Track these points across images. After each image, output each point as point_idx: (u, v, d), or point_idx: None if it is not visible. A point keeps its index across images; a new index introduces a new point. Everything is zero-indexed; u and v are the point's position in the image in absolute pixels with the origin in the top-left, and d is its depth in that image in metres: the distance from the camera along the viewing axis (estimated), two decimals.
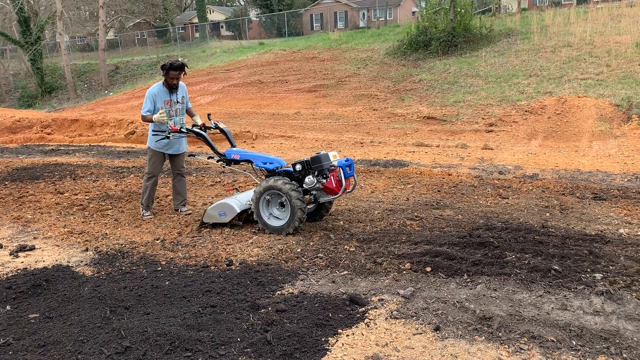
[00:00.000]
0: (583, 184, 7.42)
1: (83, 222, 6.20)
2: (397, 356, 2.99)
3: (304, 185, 5.31)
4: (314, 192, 5.43)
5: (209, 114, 6.27)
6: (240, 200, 5.67)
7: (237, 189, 6.42)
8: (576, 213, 5.90)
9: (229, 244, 5.15)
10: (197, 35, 45.82)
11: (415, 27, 21.02)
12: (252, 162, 5.70)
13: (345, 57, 22.17)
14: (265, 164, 5.62)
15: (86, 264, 4.71)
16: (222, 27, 49.78)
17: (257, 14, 46.95)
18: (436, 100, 15.33)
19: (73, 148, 13.67)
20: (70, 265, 4.70)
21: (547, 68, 15.74)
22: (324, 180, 5.26)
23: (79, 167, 10.06)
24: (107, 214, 6.51)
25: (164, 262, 4.68)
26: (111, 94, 28.16)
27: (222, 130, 6.04)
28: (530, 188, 7.23)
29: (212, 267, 4.51)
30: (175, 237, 5.48)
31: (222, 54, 29.65)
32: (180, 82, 6.09)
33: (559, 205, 6.24)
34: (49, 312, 3.70)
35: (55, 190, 7.93)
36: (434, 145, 11.56)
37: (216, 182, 8.37)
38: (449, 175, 8.30)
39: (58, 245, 5.32)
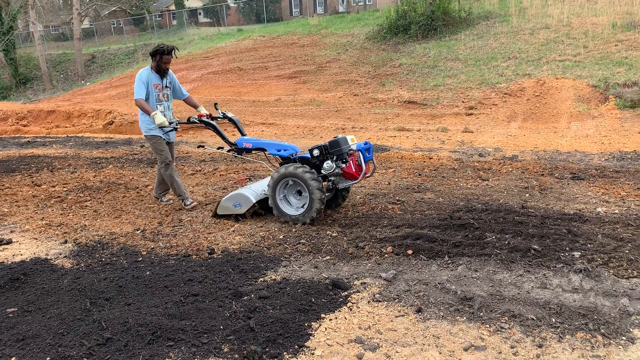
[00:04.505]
0: (562, 164, 7.51)
1: (61, 214, 6.10)
2: (380, 339, 3.00)
3: (322, 171, 5.08)
4: (333, 178, 5.21)
5: (215, 103, 6.13)
6: (255, 190, 5.44)
7: (250, 178, 6.16)
8: (555, 193, 5.97)
9: (210, 233, 5.12)
10: (174, 22, 45.16)
11: (394, 11, 20.96)
12: (265, 150, 5.48)
13: (325, 43, 22.04)
14: (279, 151, 5.39)
15: (65, 256, 4.64)
16: (199, 13, 49.09)
17: (235, 0, 46.37)
18: (416, 85, 15.35)
19: (50, 140, 13.43)
20: (48, 258, 4.62)
21: (525, 50, 15.84)
22: (344, 165, 5.05)
23: (56, 159, 9.89)
24: (86, 206, 6.42)
25: (144, 253, 4.63)
26: (88, 84, 27.68)
27: (230, 119, 5.86)
28: (510, 169, 7.29)
29: (194, 256, 4.48)
30: (155, 227, 5.42)
31: (200, 41, 29.26)
32: (169, 69, 5.96)
33: (538, 185, 6.31)
34: (28, 305, 3.64)
35: (32, 182, 7.79)
36: (414, 130, 11.60)
37: (196, 170, 8.29)
38: (430, 158, 8.34)
39: (36, 238, 5.23)
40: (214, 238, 4.94)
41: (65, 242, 5.06)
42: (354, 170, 5.04)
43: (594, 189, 6.07)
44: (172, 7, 49.21)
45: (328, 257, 4.28)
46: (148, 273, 4.11)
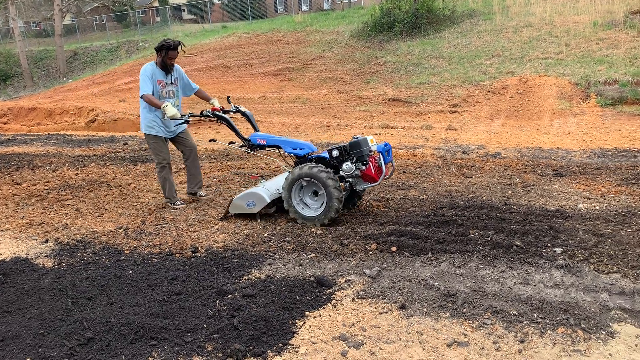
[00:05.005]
0: (544, 161, 7.59)
1: (42, 213, 6.02)
2: (364, 335, 3.01)
3: (340, 172, 4.95)
4: (351, 180, 5.07)
5: (228, 97, 5.99)
6: (269, 189, 5.29)
7: (262, 176, 6.03)
8: (537, 190, 6.03)
9: (194, 231, 5.08)
10: (158, 19, 44.70)
11: (379, 9, 21.00)
12: (280, 148, 5.31)
13: (310, 40, 22.01)
14: (295, 149, 5.21)
15: (46, 256, 4.58)
16: (183, 10, 48.69)
17: None
18: (401, 82, 15.40)
19: (31, 137, 13.25)
20: (29, 257, 4.56)
21: (508, 48, 15.97)
22: (363, 167, 4.93)
23: (37, 157, 9.76)
24: (68, 204, 6.34)
25: (127, 251, 4.59)
26: (70, 81, 27.32)
27: (243, 114, 5.68)
28: (493, 167, 7.35)
29: (177, 255, 4.45)
30: (138, 225, 5.37)
31: (184, 38, 28.97)
32: (175, 64, 5.83)
33: (520, 182, 6.37)
34: (7, 306, 3.58)
35: (13, 181, 7.67)
36: (399, 127, 11.64)
37: (180, 168, 8.22)
38: (414, 156, 8.37)
39: (16, 238, 5.15)
40: (198, 236, 4.91)
41: (47, 241, 4.99)
42: (373, 172, 4.92)
43: (575, 186, 6.14)
44: (156, 4, 48.76)
45: (312, 255, 4.28)
46: (131, 272, 4.07)
